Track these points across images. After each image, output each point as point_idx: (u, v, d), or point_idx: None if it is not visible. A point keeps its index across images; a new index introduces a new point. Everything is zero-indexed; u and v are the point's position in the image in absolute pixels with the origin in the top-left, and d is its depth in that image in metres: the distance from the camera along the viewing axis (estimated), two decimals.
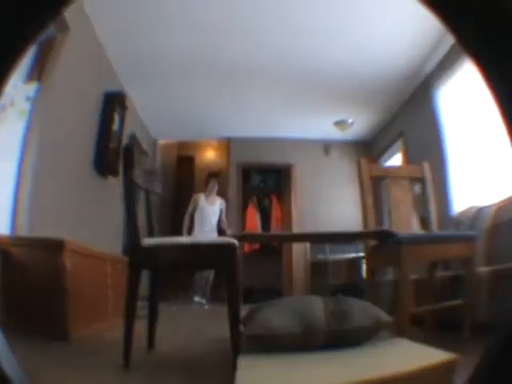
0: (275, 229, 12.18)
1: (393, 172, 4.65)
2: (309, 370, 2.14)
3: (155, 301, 3.95)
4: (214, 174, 10.17)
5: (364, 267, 9.13)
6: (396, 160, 10.31)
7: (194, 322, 6.00)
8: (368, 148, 11.95)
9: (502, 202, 5.10)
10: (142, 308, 5.69)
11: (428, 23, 6.41)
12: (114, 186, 6.79)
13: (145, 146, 10.19)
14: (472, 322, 3.69)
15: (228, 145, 11.89)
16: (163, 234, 11.57)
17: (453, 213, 6.77)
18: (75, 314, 3.96)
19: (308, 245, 11.21)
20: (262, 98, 9.29)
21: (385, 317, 2.69)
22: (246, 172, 12.09)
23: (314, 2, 6.05)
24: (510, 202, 4.89)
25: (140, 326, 3.50)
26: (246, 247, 11.55)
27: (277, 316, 2.53)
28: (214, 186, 9.74)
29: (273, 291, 9.87)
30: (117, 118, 7.13)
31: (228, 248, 3.26)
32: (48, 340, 3.41)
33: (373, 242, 4.25)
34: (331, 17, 6.41)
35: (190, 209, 9.65)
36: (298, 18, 6.40)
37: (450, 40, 6.77)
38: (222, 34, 6.84)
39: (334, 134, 10.92)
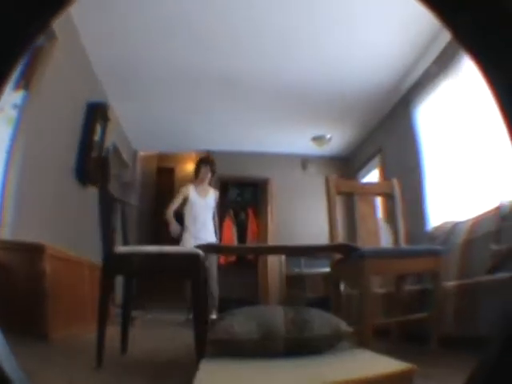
0: (251, 242, 12.16)
1: (361, 188, 4.74)
2: (265, 375, 2.18)
3: (129, 307, 4.09)
4: (206, 160, 8.29)
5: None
6: (373, 176, 10.38)
7: (169, 330, 6.10)
8: (346, 163, 12.02)
9: (477, 217, 5.14)
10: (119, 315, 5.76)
11: (408, 40, 6.54)
12: (94, 194, 6.82)
13: (125, 156, 10.22)
14: (439, 335, 3.75)
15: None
16: (141, 244, 11.56)
17: (428, 228, 6.82)
18: (55, 315, 4.11)
19: (283, 258, 11.27)
20: (242, 113, 9.35)
21: (345, 327, 2.74)
22: (224, 185, 12.08)
23: (294, 15, 6.10)
24: (485, 217, 4.94)
25: (118, 331, 3.63)
26: (222, 259, 11.56)
27: (238, 322, 2.60)
28: (206, 173, 7.97)
29: (248, 302, 9.90)
30: (99, 128, 7.18)
31: (192, 258, 3.39)
32: (28, 340, 3.47)
33: (338, 256, 4.30)
34: (311, 31, 6.48)
35: (175, 204, 7.92)
36: (277, 31, 6.48)
37: (429, 57, 6.89)
38: (204, 48, 6.89)
39: (312, 148, 10.97)
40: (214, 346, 2.74)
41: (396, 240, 4.72)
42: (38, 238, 4.47)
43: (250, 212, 12.49)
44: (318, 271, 10.81)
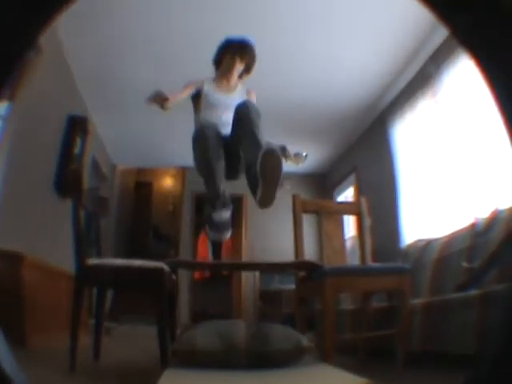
0: (226, 257, 12.15)
1: (327, 207, 4.81)
2: None
3: (101, 317, 4.18)
4: (238, 47, 4.69)
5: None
6: (349, 193, 10.45)
7: (142, 341, 6.17)
8: (322, 180, 12.11)
9: (450, 234, 5.18)
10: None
11: (385, 59, 6.64)
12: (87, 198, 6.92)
13: (104, 169, 10.23)
14: (405, 352, 3.80)
15: (183, 173, 11.93)
16: (119, 257, 11.58)
17: (402, 245, 6.85)
18: (32, 322, 4.21)
19: (257, 274, 11.32)
20: None
21: (306, 342, 2.83)
22: (200, 201, 12.11)
23: (268, 32, 6.21)
24: (459, 234, 4.99)
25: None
26: (197, 275, 11.62)
27: (201, 335, 2.69)
28: (234, 65, 4.65)
29: (222, 317, 9.96)
30: (78, 141, 7.19)
31: (157, 272, 3.51)
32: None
33: (302, 273, 4.38)
34: (287, 49, 6.58)
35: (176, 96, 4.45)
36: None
37: (405, 78, 6.99)
38: (183, 65, 6.95)
39: (288, 166, 11.00)
40: (176, 356, 2.83)
41: (363, 258, 4.79)
42: (19, 247, 4.56)
43: None
44: (292, 287, 10.89)
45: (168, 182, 14.00)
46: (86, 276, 3.50)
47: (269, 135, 9.32)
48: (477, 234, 4.57)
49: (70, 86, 7.14)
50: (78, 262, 3.49)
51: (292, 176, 11.75)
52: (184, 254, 11.20)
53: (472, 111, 5.37)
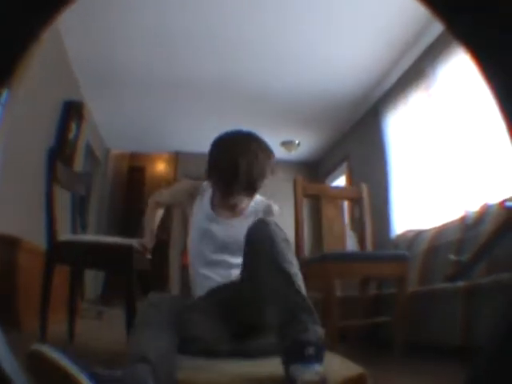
0: None
1: (328, 191, 4.77)
2: (225, 364, 2.20)
3: (74, 297, 4.08)
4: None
5: None
6: (341, 181, 10.46)
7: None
8: (314, 168, 12.10)
9: (440, 226, 5.22)
10: (88, 310, 5.75)
11: (378, 51, 6.65)
12: (67, 197, 6.87)
13: (98, 154, 10.24)
14: (402, 340, 3.80)
15: (176, 158, 11.96)
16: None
17: (392, 235, 6.91)
18: (27, 307, 4.17)
19: None
20: (212, 116, 9.36)
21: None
22: None
23: (263, 21, 6.17)
24: (448, 226, 4.99)
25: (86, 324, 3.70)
26: (185, 259, 11.56)
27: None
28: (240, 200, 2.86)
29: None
30: (74, 126, 7.16)
31: (125, 249, 3.33)
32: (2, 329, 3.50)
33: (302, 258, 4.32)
34: (281, 40, 6.55)
35: (166, 196, 3.37)
36: (248, 37, 6.55)
37: (399, 70, 7.01)
38: (177, 51, 6.96)
39: (281, 153, 10.99)
40: None
41: (363, 245, 4.77)
42: (12, 232, 4.53)
43: None
44: None
45: (161, 167, 13.96)
46: (55, 252, 3.42)
47: (264, 124, 9.39)
48: (466, 227, 4.61)
49: (65, 71, 7.11)
50: (49, 239, 3.42)
51: (284, 164, 11.75)
52: (176, 238, 11.16)
53: (465, 105, 5.42)
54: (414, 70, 6.69)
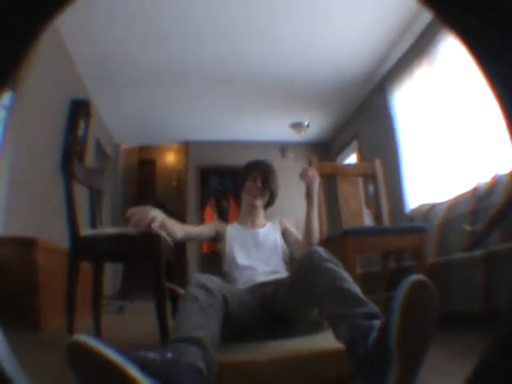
0: None
1: (343, 169, 4.77)
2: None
3: (98, 294, 4.02)
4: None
5: None
6: (351, 160, 10.50)
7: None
8: (324, 149, 12.11)
9: (453, 198, 5.22)
10: (109, 305, 5.76)
11: (384, 27, 6.63)
12: (79, 189, 6.88)
13: (108, 150, 10.28)
14: None
15: (187, 148, 12.00)
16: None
17: (406, 210, 6.91)
18: (47, 306, 4.18)
19: None
20: (220, 102, 9.38)
21: None
22: (205, 174, 12.21)
23: (267, 3, 6.15)
24: (461, 198, 4.99)
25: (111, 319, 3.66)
26: (205, 248, 11.63)
27: None
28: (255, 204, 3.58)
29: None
30: (82, 124, 7.20)
31: (152, 238, 3.24)
32: (21, 330, 3.48)
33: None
34: (286, 19, 6.52)
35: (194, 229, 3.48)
36: (252, 20, 6.54)
37: (403, 46, 7.00)
38: (182, 42, 6.98)
39: (291, 135, 11.02)
40: None
41: (379, 221, 4.76)
42: (30, 232, 4.56)
43: (231, 200, 12.52)
44: None
45: (171, 158, 13.96)
46: (79, 248, 3.37)
47: (273, 107, 9.37)
48: (478, 199, 4.62)
49: (69, 68, 7.13)
50: (72, 235, 3.36)
51: (294, 146, 11.78)
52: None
53: (469, 77, 5.41)
54: (417, 47, 6.70)
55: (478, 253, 3.52)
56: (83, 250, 3.38)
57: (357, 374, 1.76)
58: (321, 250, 2.30)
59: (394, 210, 6.57)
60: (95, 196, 4.12)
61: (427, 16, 6.05)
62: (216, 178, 12.89)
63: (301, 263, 2.38)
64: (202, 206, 11.99)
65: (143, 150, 13.64)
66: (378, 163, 4.73)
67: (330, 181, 4.75)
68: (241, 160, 11.65)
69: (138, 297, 9.00)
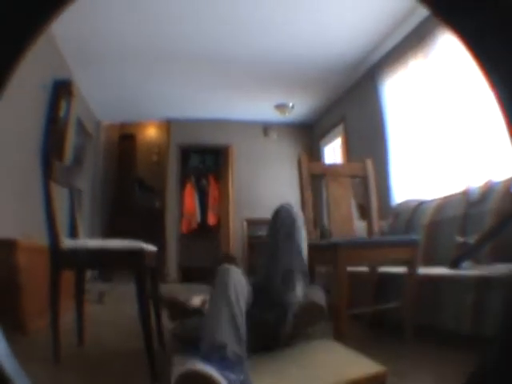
0: (212, 208, 12.28)
1: (333, 170, 4.57)
2: None
3: (81, 298, 3.95)
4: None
5: None
6: (336, 144, 10.48)
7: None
8: (308, 130, 12.11)
9: (442, 198, 5.16)
10: (88, 292, 5.66)
11: (378, 14, 6.55)
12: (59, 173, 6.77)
13: (89, 128, 10.15)
14: (413, 324, 3.74)
15: (168, 126, 11.93)
16: (106, 211, 11.66)
17: (392, 203, 6.88)
18: (30, 307, 4.16)
19: (245, 224, 11.49)
20: (203, 80, 9.25)
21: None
22: (186, 153, 12.20)
23: None
24: (451, 200, 4.92)
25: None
26: (184, 227, 11.60)
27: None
28: None
29: (210, 269, 10.06)
30: (64, 104, 7.08)
31: (136, 254, 3.23)
32: (5, 331, 3.44)
33: (314, 240, 4.21)
34: (277, 2, 6.38)
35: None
36: (239, 1, 6.41)
37: (398, 35, 6.95)
38: (165, 18, 6.79)
39: (275, 115, 10.96)
40: (180, 341, 2.91)
41: (362, 214, 4.68)
42: (8, 225, 4.63)
43: (212, 179, 12.55)
44: None
45: (152, 133, 13.85)
46: (61, 260, 3.27)
47: (257, 87, 9.27)
48: (470, 204, 4.57)
49: (51, 48, 6.96)
50: (53, 246, 3.26)
51: (278, 126, 11.73)
52: (171, 206, 11.21)
53: (466, 74, 5.32)
54: (414, 37, 6.57)
55: (471, 274, 3.43)
56: (65, 261, 3.30)
57: None
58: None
59: (379, 203, 6.51)
60: (75, 196, 4.01)
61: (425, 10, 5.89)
62: (197, 157, 12.84)
63: None
64: (182, 185, 11.98)
65: (124, 125, 13.47)
66: (369, 164, 4.60)
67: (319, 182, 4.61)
68: (222, 139, 11.66)
69: (117, 279, 8.88)
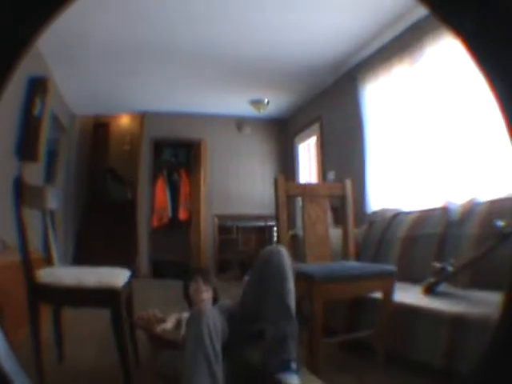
0: (183, 203, 12.26)
1: (310, 190, 4.51)
2: None
3: (59, 333, 3.94)
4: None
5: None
6: (311, 142, 10.53)
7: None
8: (283, 126, 12.17)
9: (418, 213, 5.14)
10: None
11: (359, 18, 6.57)
12: (34, 172, 6.70)
13: (64, 122, 10.08)
14: (386, 352, 3.72)
15: (142, 119, 11.88)
16: (80, 207, 11.60)
17: (368, 209, 6.90)
18: (12, 322, 4.15)
19: (216, 219, 11.59)
20: (177, 74, 9.23)
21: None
22: (158, 146, 12.17)
23: None
24: (429, 215, 4.88)
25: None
26: (155, 222, 11.55)
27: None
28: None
29: (181, 264, 10.11)
30: (38, 101, 7.02)
31: (111, 292, 3.27)
32: None
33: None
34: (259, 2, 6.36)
35: None
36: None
37: (382, 39, 7.03)
38: (138, 12, 6.71)
39: (249, 110, 10.95)
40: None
41: (336, 219, 4.62)
42: None
43: (183, 173, 12.52)
44: (251, 225, 11.43)
45: (125, 122, 13.88)
46: (37, 295, 3.28)
47: (232, 82, 9.24)
48: (449, 223, 4.52)
49: None
50: (28, 279, 3.27)
51: (252, 121, 11.72)
52: (142, 199, 11.17)
53: (452, 87, 5.31)
54: (400, 43, 6.54)
55: (446, 310, 3.37)
56: (41, 297, 3.31)
57: None
58: None
59: (356, 209, 6.48)
60: (47, 218, 3.93)
61: (417, 13, 5.97)
62: (170, 151, 12.84)
63: None
64: (154, 178, 11.94)
65: (99, 116, 13.45)
66: (348, 184, 4.53)
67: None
68: (195, 133, 11.61)
69: (92, 264, 8.74)
